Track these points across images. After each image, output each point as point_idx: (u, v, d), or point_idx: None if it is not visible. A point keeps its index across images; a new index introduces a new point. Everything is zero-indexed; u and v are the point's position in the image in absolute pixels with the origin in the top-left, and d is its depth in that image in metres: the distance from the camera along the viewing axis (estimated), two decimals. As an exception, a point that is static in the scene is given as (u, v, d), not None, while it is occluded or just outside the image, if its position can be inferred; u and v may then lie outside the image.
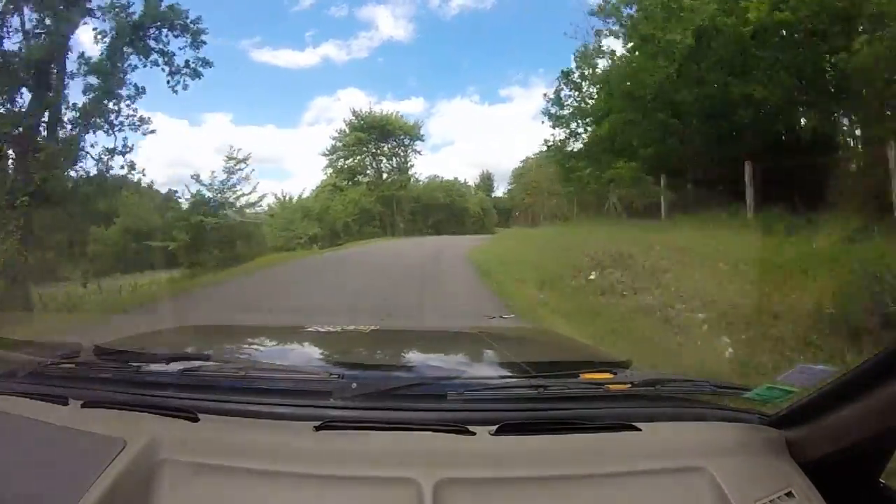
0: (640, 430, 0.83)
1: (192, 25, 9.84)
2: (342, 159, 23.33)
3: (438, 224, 24.53)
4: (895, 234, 5.50)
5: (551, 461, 0.78)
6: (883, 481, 0.82)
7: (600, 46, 13.02)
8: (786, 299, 4.22)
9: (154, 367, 0.96)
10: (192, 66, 10.07)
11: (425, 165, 34.11)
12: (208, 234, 12.70)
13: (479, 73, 28.10)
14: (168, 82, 9.99)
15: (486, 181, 29.66)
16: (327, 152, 23.10)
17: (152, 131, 9.95)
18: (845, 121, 9.07)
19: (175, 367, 0.94)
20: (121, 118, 9.46)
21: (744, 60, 8.92)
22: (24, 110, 8.45)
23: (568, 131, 13.81)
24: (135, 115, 9.59)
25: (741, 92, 8.73)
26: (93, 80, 9.12)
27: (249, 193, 13.81)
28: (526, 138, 38.50)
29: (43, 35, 8.49)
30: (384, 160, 23.95)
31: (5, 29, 8.36)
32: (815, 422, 0.82)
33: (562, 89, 13.71)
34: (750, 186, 8.23)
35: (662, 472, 0.78)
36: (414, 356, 1.45)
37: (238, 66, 25.03)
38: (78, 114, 9.03)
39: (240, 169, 13.58)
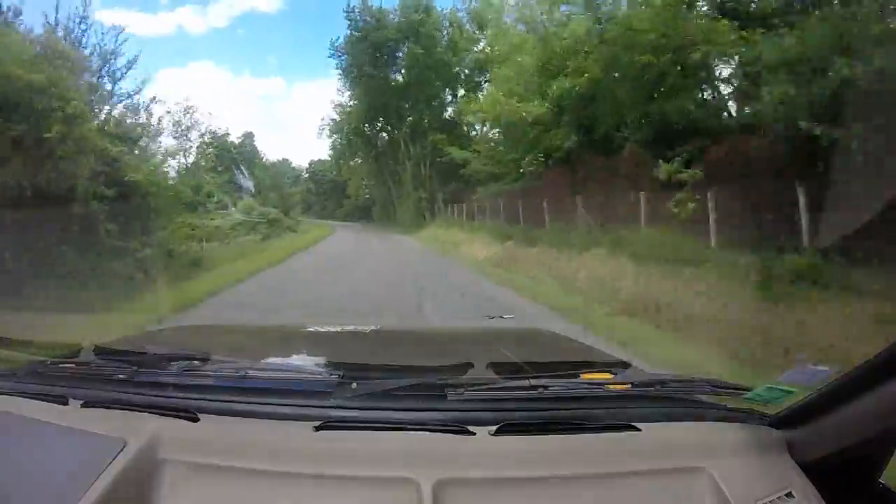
0: (639, 430, 0.83)
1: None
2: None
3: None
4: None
5: (551, 461, 0.78)
6: (883, 482, 0.82)
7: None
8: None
9: (154, 367, 0.95)
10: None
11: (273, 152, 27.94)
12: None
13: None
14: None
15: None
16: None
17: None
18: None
19: (175, 367, 0.94)
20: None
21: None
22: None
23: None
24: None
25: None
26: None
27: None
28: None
29: None
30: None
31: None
32: (815, 422, 0.82)
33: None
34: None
35: (662, 473, 0.78)
36: (414, 356, 1.45)
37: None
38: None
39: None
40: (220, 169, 20.22)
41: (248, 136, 22.90)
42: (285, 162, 27.28)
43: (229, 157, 20.52)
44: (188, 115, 16.68)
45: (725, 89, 8.44)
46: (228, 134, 21.65)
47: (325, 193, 29.08)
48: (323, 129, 20.69)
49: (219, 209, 18.05)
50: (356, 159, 21.85)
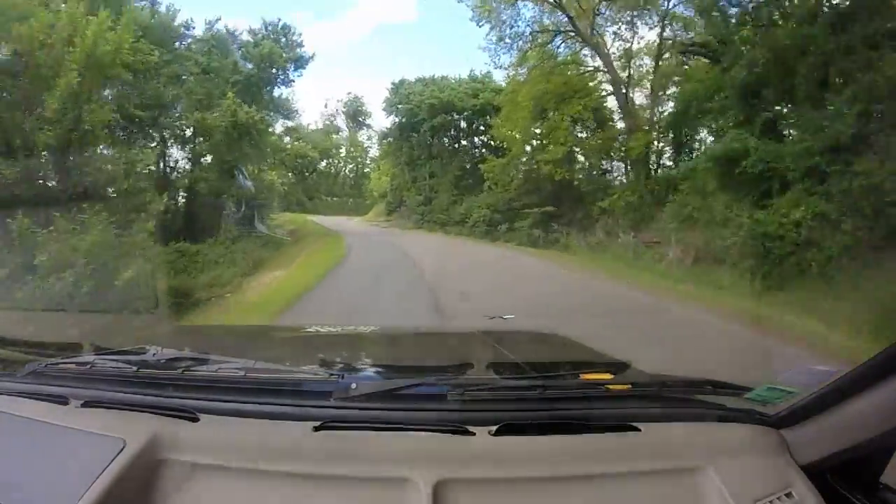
0: (639, 430, 0.83)
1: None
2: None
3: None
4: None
5: (551, 461, 0.78)
6: (883, 482, 0.82)
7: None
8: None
9: (154, 367, 0.95)
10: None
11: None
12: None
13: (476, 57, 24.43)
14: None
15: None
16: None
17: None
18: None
19: (175, 367, 0.94)
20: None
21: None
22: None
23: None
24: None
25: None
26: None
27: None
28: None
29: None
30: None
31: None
32: (815, 422, 0.82)
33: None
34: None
35: (662, 473, 0.78)
36: (414, 357, 1.45)
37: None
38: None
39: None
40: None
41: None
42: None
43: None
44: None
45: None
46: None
47: (431, 156, 12.57)
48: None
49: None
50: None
